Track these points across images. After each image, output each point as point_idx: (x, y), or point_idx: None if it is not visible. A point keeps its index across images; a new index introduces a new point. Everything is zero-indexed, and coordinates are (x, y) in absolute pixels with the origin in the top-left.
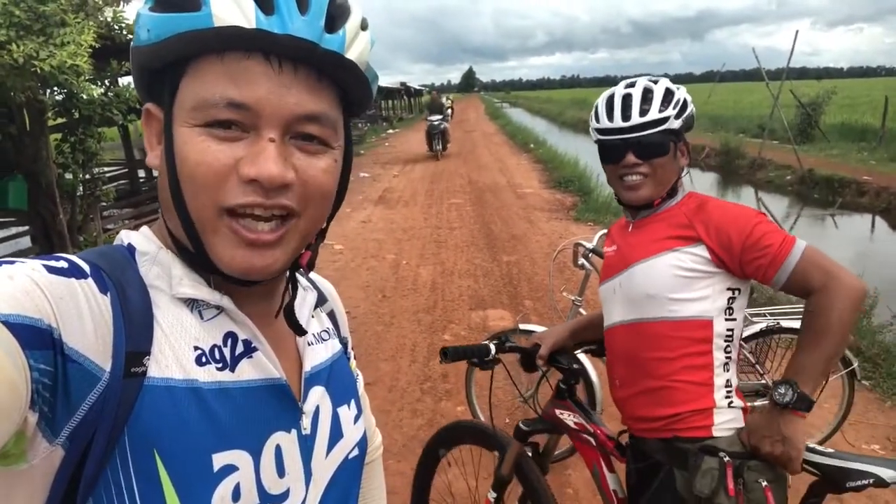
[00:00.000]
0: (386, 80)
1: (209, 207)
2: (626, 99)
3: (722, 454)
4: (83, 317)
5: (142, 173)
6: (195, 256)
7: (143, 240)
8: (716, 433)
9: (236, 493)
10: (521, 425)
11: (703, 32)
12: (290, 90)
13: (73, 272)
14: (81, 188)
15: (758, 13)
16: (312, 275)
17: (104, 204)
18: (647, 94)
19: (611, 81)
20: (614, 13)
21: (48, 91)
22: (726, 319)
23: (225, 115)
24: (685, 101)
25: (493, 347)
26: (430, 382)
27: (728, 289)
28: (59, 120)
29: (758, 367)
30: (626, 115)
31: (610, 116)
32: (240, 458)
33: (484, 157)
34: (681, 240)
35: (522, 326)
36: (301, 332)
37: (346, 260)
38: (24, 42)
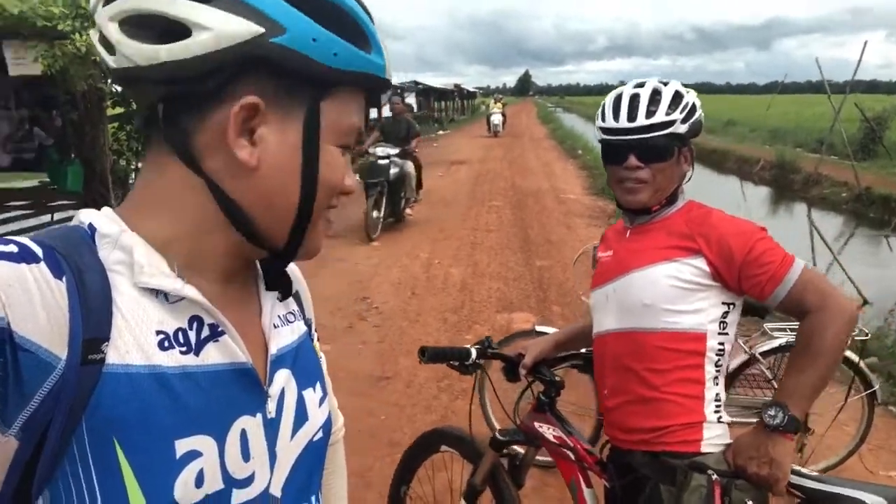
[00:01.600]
0: (439, 81)
1: (324, 206)
2: (634, 99)
3: (710, 472)
4: (34, 303)
5: None
6: (279, 251)
7: (104, 221)
8: (704, 449)
9: (200, 479)
10: (497, 435)
11: (770, 41)
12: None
13: (24, 257)
14: (133, 175)
15: (831, 23)
16: None
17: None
18: (655, 96)
19: None
20: (679, 19)
21: (108, 80)
22: (719, 333)
23: (354, 140)
24: (693, 106)
25: (474, 352)
26: (447, 380)
27: (723, 303)
28: (118, 109)
29: (774, 382)
30: (631, 116)
31: (616, 116)
32: (204, 443)
33: (531, 162)
34: (681, 250)
35: (539, 328)
36: (288, 293)
37: (382, 256)
38: (87, 32)
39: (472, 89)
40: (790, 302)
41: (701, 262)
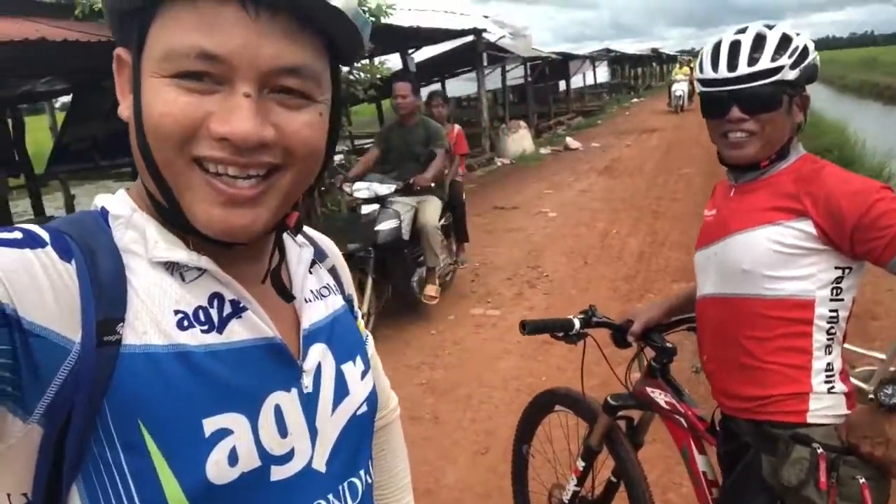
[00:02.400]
0: (635, 47)
1: (177, 159)
2: (734, 46)
3: (816, 445)
4: (41, 288)
5: None
6: (171, 215)
7: (117, 203)
8: (810, 420)
9: (233, 457)
10: (609, 400)
11: None
12: (267, 39)
13: (28, 242)
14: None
15: None
16: (310, 230)
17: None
18: (758, 42)
19: None
20: None
21: None
22: (832, 300)
23: (196, 67)
24: (805, 49)
25: (577, 322)
26: (610, 348)
27: (836, 267)
28: None
29: None
30: (732, 65)
31: (714, 66)
32: (234, 421)
33: None
34: (785, 212)
35: None
36: (289, 298)
37: (557, 226)
38: None
39: (672, 53)
40: None
41: (807, 225)
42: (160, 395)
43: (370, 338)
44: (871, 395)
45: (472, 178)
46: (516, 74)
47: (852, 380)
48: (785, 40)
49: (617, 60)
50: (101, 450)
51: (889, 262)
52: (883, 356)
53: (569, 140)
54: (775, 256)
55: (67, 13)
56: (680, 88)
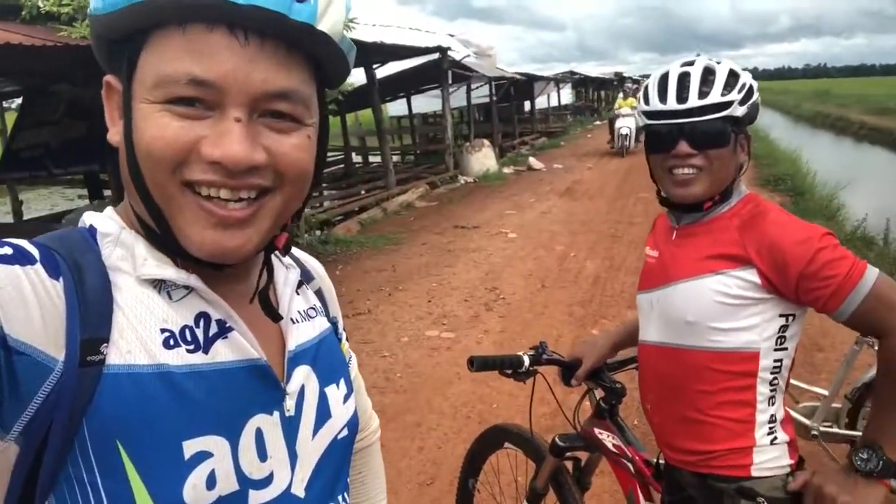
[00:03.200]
0: (599, 70)
1: (169, 184)
2: (683, 78)
3: (761, 500)
4: (28, 305)
5: (357, 158)
6: (162, 239)
7: (105, 220)
8: (755, 473)
9: (211, 481)
10: (557, 441)
11: None
12: (257, 65)
13: (18, 258)
14: None
15: None
16: (297, 252)
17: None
18: (707, 75)
19: (866, 71)
20: None
21: None
22: (775, 349)
23: (187, 92)
24: (751, 87)
25: (527, 359)
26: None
27: (780, 315)
28: None
29: None
30: (681, 97)
31: (662, 97)
32: (214, 443)
33: None
34: (728, 260)
35: None
36: (277, 318)
37: (516, 248)
38: None
39: (636, 77)
40: (860, 319)
41: (751, 274)
42: (141, 416)
43: (354, 358)
44: (813, 432)
45: (434, 195)
46: (482, 93)
47: (794, 414)
48: (732, 76)
49: (581, 83)
50: (77, 471)
51: (835, 310)
52: (825, 392)
53: (532, 161)
54: (720, 308)
55: (13, 15)
56: (626, 125)
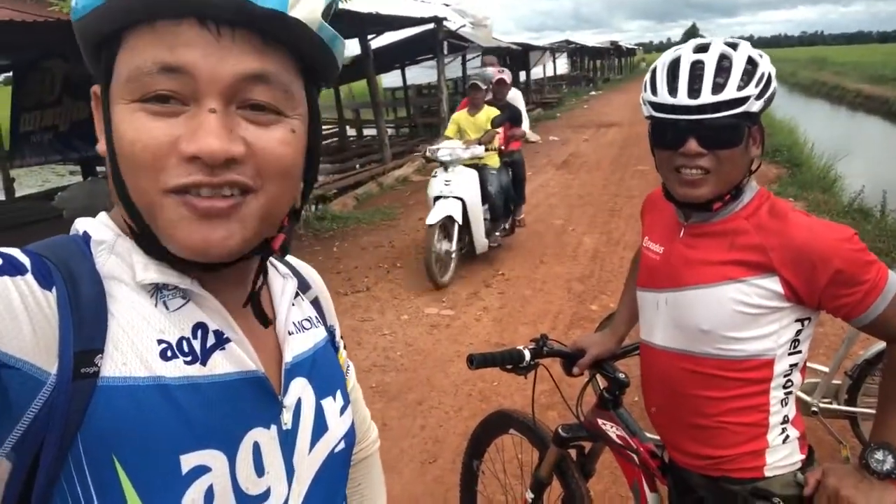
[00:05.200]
0: (595, 39)
1: (151, 191)
2: (696, 68)
3: (776, 500)
4: (18, 317)
5: (351, 132)
6: (144, 241)
7: (99, 227)
8: (768, 473)
9: (209, 496)
10: (560, 431)
11: None
12: (229, 51)
13: (6, 269)
14: None
15: None
16: (294, 261)
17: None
18: (722, 63)
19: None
20: None
21: None
22: (790, 354)
23: (160, 85)
24: (770, 77)
25: (528, 354)
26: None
27: (797, 320)
28: None
29: None
30: (693, 90)
31: (672, 89)
32: (212, 458)
33: None
34: (747, 268)
35: None
36: (266, 323)
37: None
38: None
39: (630, 46)
40: (880, 324)
41: (773, 283)
42: (137, 429)
43: (352, 368)
44: (813, 408)
45: (430, 168)
46: (477, 64)
47: (797, 392)
48: (751, 64)
49: (577, 52)
50: (72, 487)
51: (858, 317)
52: (826, 368)
53: (528, 133)
54: (739, 317)
55: None
56: (444, 193)
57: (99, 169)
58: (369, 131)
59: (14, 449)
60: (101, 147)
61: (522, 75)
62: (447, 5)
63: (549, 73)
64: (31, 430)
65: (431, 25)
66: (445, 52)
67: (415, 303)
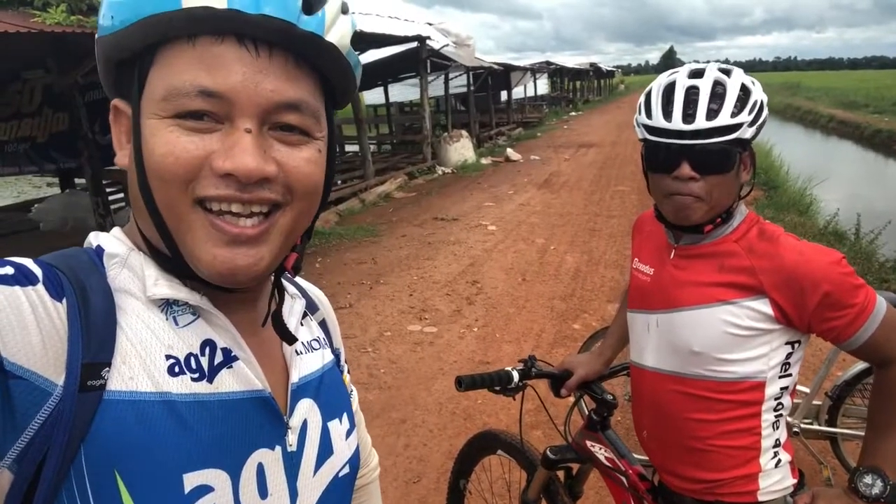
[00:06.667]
0: (575, 61)
1: (180, 202)
2: (691, 93)
3: None
4: (27, 328)
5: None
6: (171, 260)
7: (112, 241)
8: (761, 498)
9: None
10: (548, 453)
11: None
12: (266, 76)
13: (18, 279)
14: None
15: None
16: (302, 281)
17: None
18: (716, 90)
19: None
20: None
21: None
22: (781, 377)
23: (196, 105)
24: (762, 104)
25: (516, 375)
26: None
27: (787, 342)
28: None
29: None
30: (688, 115)
31: (666, 113)
32: (216, 477)
33: None
34: (738, 289)
35: None
36: (291, 339)
37: (496, 241)
38: None
39: (609, 68)
40: (869, 348)
41: (763, 305)
42: (141, 445)
43: (355, 392)
44: (795, 429)
45: (412, 186)
46: (459, 83)
47: None
48: (744, 91)
49: (557, 73)
50: (72, 500)
51: (847, 340)
52: (807, 389)
53: (510, 152)
54: (729, 338)
55: None
56: None
57: (78, 181)
58: (351, 147)
59: (17, 460)
60: (122, 160)
61: (504, 95)
62: (431, 24)
63: (531, 93)
64: (35, 441)
65: (415, 44)
66: (429, 70)
67: (398, 320)
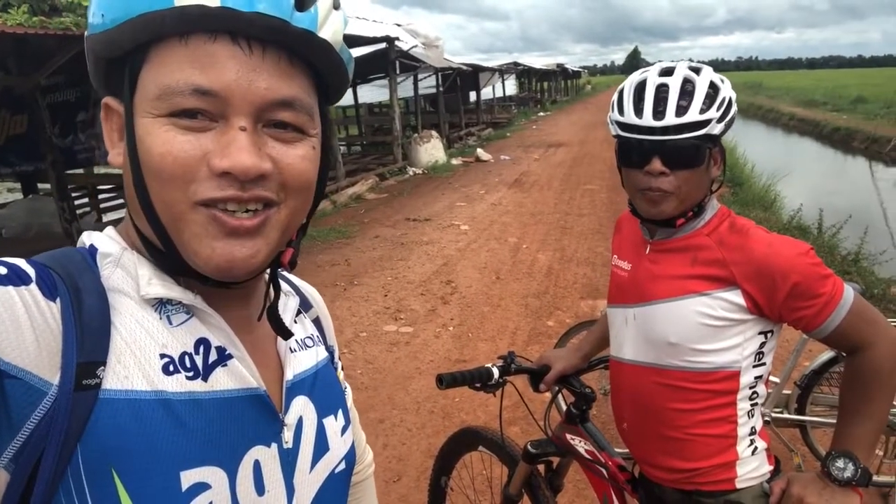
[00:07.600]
0: (542, 61)
1: (179, 203)
2: (661, 91)
3: None
4: (21, 327)
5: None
6: (167, 258)
7: (105, 240)
8: (739, 485)
9: None
10: (529, 447)
11: None
12: (259, 74)
13: (11, 279)
14: None
15: None
16: (295, 279)
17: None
18: (686, 87)
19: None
20: None
21: None
22: (755, 366)
23: (191, 104)
24: (730, 101)
25: (496, 371)
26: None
27: (760, 332)
28: None
29: None
30: (658, 112)
31: (638, 110)
32: (212, 475)
33: None
34: (710, 281)
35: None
36: (287, 334)
37: (469, 240)
38: None
39: (576, 69)
40: (837, 336)
41: (735, 296)
42: (138, 443)
43: (349, 389)
44: (766, 418)
45: (384, 187)
46: (428, 83)
47: None
48: (713, 89)
49: (524, 74)
50: (69, 498)
51: (816, 329)
52: (777, 379)
53: (480, 152)
54: (704, 329)
55: None
56: None
57: (41, 186)
58: None
59: (13, 460)
60: (116, 159)
61: (473, 95)
62: (399, 25)
63: (499, 93)
64: (31, 441)
65: (384, 45)
66: (398, 71)
67: (373, 321)
